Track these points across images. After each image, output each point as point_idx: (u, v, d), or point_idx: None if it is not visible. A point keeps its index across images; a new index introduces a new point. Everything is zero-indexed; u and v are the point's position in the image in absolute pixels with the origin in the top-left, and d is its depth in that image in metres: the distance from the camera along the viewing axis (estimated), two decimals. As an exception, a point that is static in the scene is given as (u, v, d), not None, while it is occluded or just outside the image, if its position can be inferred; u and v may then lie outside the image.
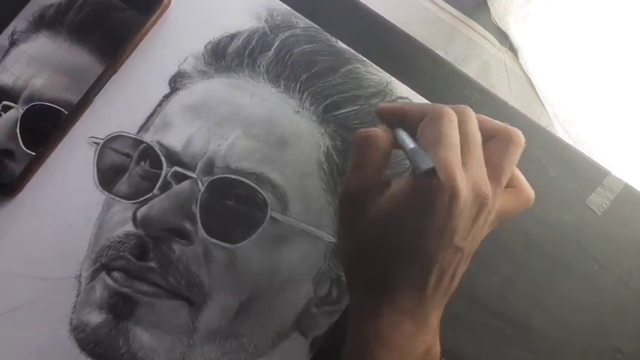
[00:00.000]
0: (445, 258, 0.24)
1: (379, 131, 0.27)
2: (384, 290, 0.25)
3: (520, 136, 0.27)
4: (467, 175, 0.24)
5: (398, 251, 0.25)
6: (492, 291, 0.33)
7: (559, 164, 0.35)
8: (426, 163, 0.24)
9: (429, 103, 0.28)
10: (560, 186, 0.35)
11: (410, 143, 0.26)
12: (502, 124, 0.27)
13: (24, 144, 0.34)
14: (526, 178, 0.35)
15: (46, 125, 0.34)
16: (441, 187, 0.23)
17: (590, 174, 0.35)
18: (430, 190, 0.23)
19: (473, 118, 0.26)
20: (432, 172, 0.23)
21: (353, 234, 0.27)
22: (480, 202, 0.24)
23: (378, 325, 0.25)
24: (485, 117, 0.27)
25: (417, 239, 0.24)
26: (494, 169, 0.25)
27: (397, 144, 0.27)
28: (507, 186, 0.27)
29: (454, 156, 0.24)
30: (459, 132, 0.25)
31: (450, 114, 0.25)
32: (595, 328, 0.33)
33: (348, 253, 0.27)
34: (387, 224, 0.25)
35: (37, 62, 0.35)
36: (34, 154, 0.33)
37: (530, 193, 0.28)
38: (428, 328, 0.26)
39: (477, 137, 0.26)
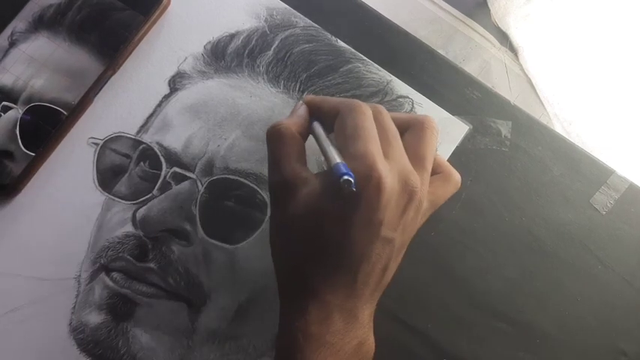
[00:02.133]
0: (373, 251, 0.24)
1: (289, 124, 0.26)
2: (310, 286, 0.24)
3: (432, 122, 0.27)
4: (391, 166, 0.24)
5: (322, 245, 0.24)
6: (495, 291, 0.33)
7: (563, 163, 0.35)
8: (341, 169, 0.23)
9: (345, 99, 0.28)
10: (564, 185, 0.35)
11: (323, 139, 0.26)
12: (412, 114, 0.27)
13: (23, 145, 0.34)
14: (530, 177, 0.35)
15: (45, 126, 0.34)
16: (364, 179, 0.23)
17: (594, 173, 0.35)
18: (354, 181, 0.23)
19: (386, 112, 0.26)
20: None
21: (277, 230, 0.26)
22: (409, 193, 0.24)
23: (306, 322, 0.24)
24: (394, 112, 0.27)
25: (342, 232, 0.24)
26: (417, 158, 0.25)
27: (315, 136, 0.27)
28: (432, 173, 0.27)
29: (375, 147, 0.23)
30: (376, 126, 0.25)
31: (363, 107, 0.25)
32: (599, 329, 0.33)
33: (275, 249, 0.27)
34: (308, 218, 0.24)
35: (36, 63, 0.35)
36: (33, 154, 0.33)
37: (457, 175, 0.28)
38: (359, 323, 0.25)
39: (394, 129, 0.26)
